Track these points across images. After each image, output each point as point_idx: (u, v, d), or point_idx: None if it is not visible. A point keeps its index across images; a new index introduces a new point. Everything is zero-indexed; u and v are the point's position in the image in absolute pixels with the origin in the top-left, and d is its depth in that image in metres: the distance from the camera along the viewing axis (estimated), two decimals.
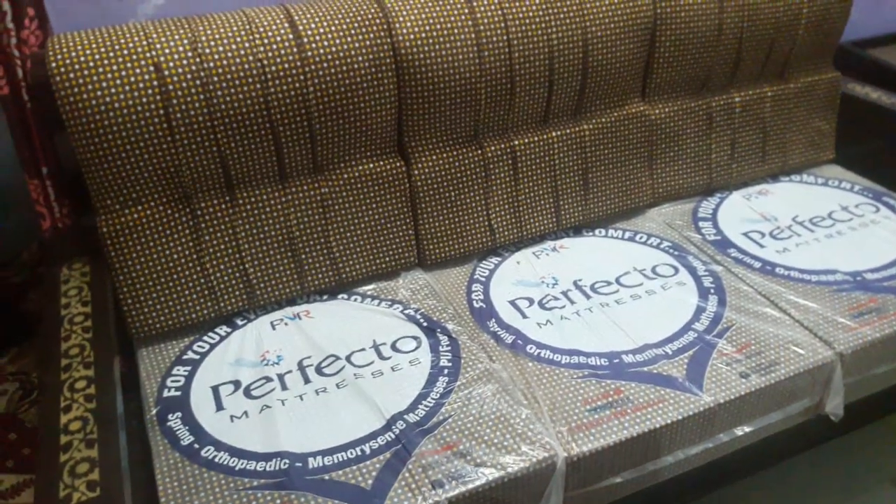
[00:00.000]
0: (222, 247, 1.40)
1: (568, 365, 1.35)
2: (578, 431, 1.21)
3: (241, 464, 1.16)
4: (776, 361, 1.35)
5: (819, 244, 1.67)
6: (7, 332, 1.73)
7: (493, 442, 1.19)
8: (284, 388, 1.29)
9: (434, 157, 1.53)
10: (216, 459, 1.17)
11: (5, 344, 1.74)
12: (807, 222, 1.75)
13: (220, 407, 1.27)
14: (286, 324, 1.44)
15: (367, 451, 1.17)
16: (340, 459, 1.16)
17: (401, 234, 1.55)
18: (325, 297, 1.52)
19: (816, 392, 1.39)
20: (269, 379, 1.31)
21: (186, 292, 1.40)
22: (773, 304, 1.48)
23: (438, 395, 1.27)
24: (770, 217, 1.77)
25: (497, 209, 1.62)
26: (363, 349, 1.37)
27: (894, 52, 2.33)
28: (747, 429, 1.34)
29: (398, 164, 1.51)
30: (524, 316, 1.47)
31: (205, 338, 1.42)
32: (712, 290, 1.52)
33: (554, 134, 1.62)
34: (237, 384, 1.31)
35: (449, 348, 1.38)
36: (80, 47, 1.25)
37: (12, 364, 1.70)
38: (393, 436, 1.19)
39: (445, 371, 1.33)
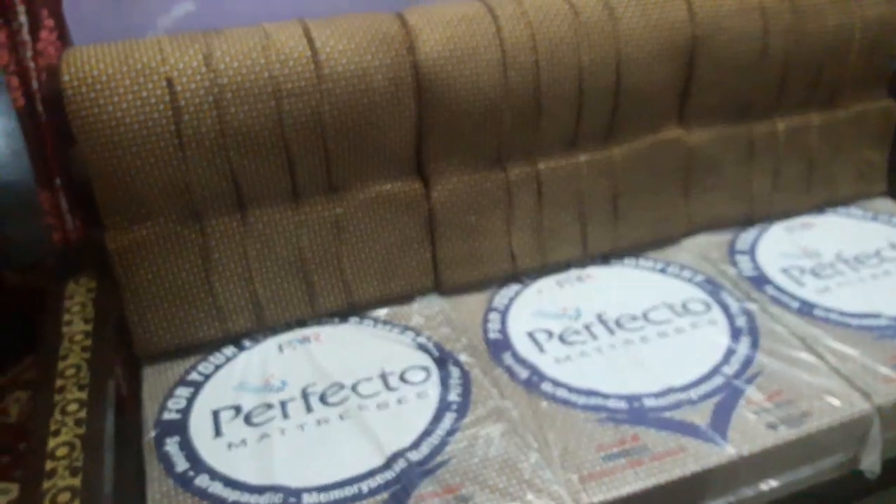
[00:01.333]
0: (232, 266, 1.37)
1: (584, 406, 1.28)
2: (590, 480, 1.14)
3: (235, 495, 1.12)
4: (808, 412, 1.25)
5: (863, 284, 1.57)
6: (26, 340, 1.73)
7: (497, 488, 1.12)
8: (286, 416, 1.25)
9: (454, 180, 1.48)
10: (209, 490, 1.13)
11: (24, 351, 1.73)
12: (851, 260, 1.65)
13: (218, 433, 1.23)
14: (294, 347, 1.40)
15: (365, 489, 1.12)
16: (336, 497, 1.11)
17: (417, 258, 1.50)
18: (336, 319, 1.47)
19: (851, 447, 1.30)
20: (270, 406, 1.27)
21: (194, 311, 1.36)
22: (809, 349, 1.39)
23: (444, 432, 1.22)
24: (812, 252, 1.67)
25: (519, 235, 1.56)
26: (370, 378, 1.32)
27: None
28: (774, 483, 1.25)
29: (416, 185, 1.46)
30: (542, 350, 1.41)
31: (210, 358, 1.38)
32: (745, 331, 1.43)
33: (582, 158, 1.55)
34: (238, 410, 1.27)
35: (460, 382, 1.32)
36: (93, 61, 1.23)
37: (28, 372, 1.70)
38: (393, 475, 1.14)
39: (454, 406, 1.27)
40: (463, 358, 1.38)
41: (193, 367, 1.37)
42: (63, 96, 1.21)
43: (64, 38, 1.34)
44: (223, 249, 1.36)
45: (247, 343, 1.42)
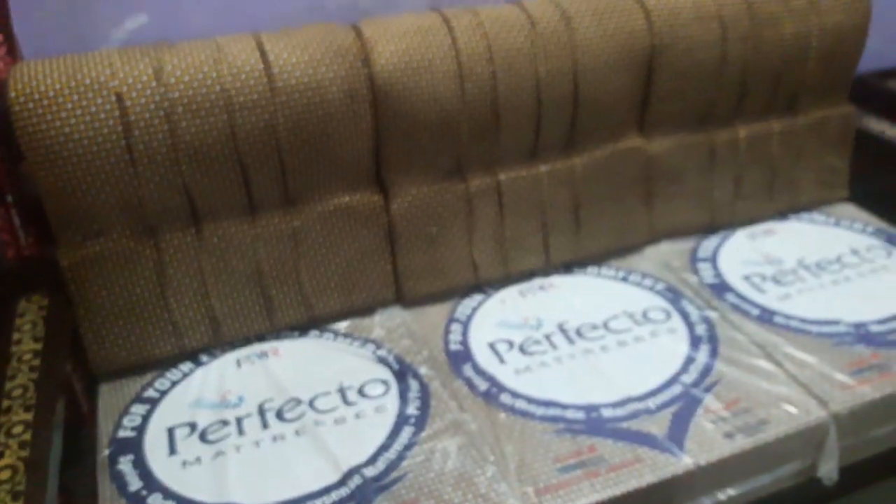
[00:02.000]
0: (187, 281, 1.35)
1: (543, 418, 1.27)
2: (545, 493, 1.14)
3: None
4: (765, 421, 1.26)
5: (824, 291, 1.58)
6: None
7: (452, 502, 1.11)
8: (241, 433, 1.24)
9: (414, 191, 1.47)
10: None
11: None
12: (813, 266, 1.66)
13: (173, 451, 1.21)
14: (252, 362, 1.39)
15: None
16: None
17: (378, 270, 1.49)
18: (295, 333, 1.46)
19: (809, 454, 1.30)
20: (226, 423, 1.25)
21: (149, 328, 1.35)
22: (768, 357, 1.39)
23: (402, 447, 1.21)
24: (774, 259, 1.68)
25: (481, 245, 1.55)
26: (328, 393, 1.31)
27: None
28: (732, 492, 1.25)
29: (375, 197, 1.45)
30: (502, 361, 1.40)
31: (167, 374, 1.37)
32: (704, 339, 1.43)
33: (543, 168, 1.55)
34: (193, 427, 1.25)
35: (419, 395, 1.31)
36: (41, 76, 1.21)
37: None
38: (348, 491, 1.13)
39: (412, 420, 1.26)
40: (423, 370, 1.37)
41: (150, 384, 1.35)
42: (10, 112, 1.20)
43: (14, 53, 1.32)
44: (178, 265, 1.34)
45: (204, 358, 1.40)
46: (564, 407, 1.29)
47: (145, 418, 1.28)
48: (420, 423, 1.25)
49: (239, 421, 1.26)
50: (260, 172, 1.33)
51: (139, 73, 1.24)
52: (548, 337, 1.46)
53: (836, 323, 1.47)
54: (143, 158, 1.25)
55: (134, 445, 1.22)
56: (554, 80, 1.46)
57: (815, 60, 1.72)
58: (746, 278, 1.61)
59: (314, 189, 1.39)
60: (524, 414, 1.28)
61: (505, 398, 1.31)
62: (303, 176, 1.36)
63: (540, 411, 1.28)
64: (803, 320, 1.48)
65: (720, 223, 1.77)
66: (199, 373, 1.37)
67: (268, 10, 1.48)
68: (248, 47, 1.30)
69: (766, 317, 1.49)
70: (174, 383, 1.35)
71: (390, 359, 1.39)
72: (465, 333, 1.48)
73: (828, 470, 1.31)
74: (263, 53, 1.30)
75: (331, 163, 1.38)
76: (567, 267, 1.66)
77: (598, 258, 1.67)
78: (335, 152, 1.37)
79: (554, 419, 1.27)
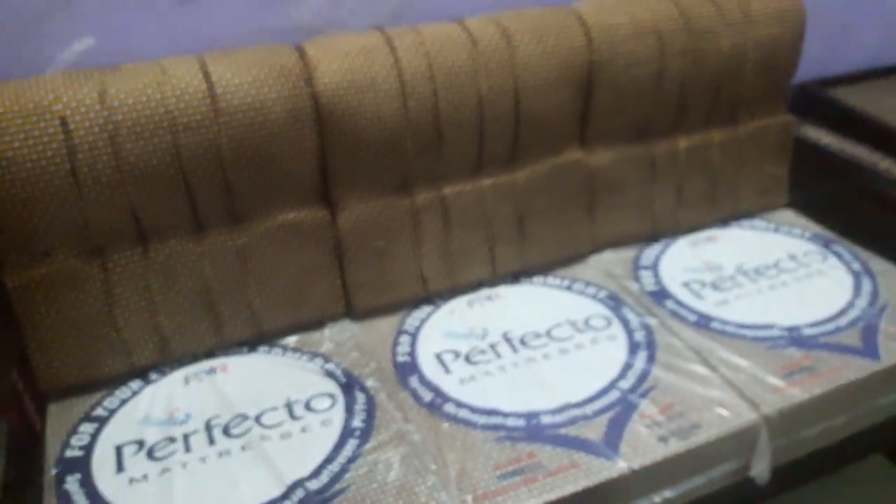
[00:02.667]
0: (135, 300, 1.37)
1: (484, 426, 1.31)
2: (484, 500, 1.18)
3: None
4: (698, 424, 1.31)
5: (761, 296, 1.63)
6: None
7: None
8: (188, 449, 1.26)
9: (361, 206, 1.50)
10: None
11: None
12: (751, 272, 1.71)
13: (121, 469, 1.23)
14: (200, 379, 1.41)
15: None
16: None
17: (327, 284, 1.52)
18: (245, 348, 1.49)
19: (742, 455, 1.35)
20: (173, 440, 1.28)
21: (98, 346, 1.37)
22: (703, 361, 1.45)
23: (345, 459, 1.24)
24: (714, 266, 1.73)
25: (429, 258, 1.59)
26: (275, 408, 1.34)
27: (862, 90, 2.29)
28: (668, 494, 1.30)
29: (322, 213, 1.48)
30: (447, 371, 1.44)
31: (116, 393, 1.39)
32: (643, 345, 1.48)
33: (487, 182, 1.59)
34: (141, 444, 1.27)
35: (364, 407, 1.35)
36: None
37: None
38: None
39: (356, 433, 1.29)
40: (370, 383, 1.40)
41: (99, 403, 1.37)
42: None
43: None
44: (125, 283, 1.36)
45: (153, 376, 1.42)
46: (506, 415, 1.33)
47: (93, 437, 1.30)
48: (365, 435, 1.29)
49: (186, 437, 1.28)
50: (205, 191, 1.35)
51: (83, 97, 1.26)
52: (493, 346, 1.49)
53: (770, 327, 1.53)
54: (88, 180, 1.27)
55: (81, 464, 1.24)
56: (495, 97, 1.50)
57: (753, 72, 1.78)
58: (686, 285, 1.66)
59: (260, 206, 1.42)
60: (467, 423, 1.32)
61: (449, 408, 1.35)
62: (248, 194, 1.39)
63: (482, 420, 1.32)
64: (739, 325, 1.54)
65: (662, 232, 1.82)
66: (148, 390, 1.39)
67: (214, 32, 1.50)
68: (192, 69, 1.33)
69: (704, 322, 1.55)
70: (123, 401, 1.37)
71: (338, 372, 1.42)
72: (413, 345, 1.51)
73: (760, 470, 1.36)
74: (207, 75, 1.32)
75: (276, 180, 1.40)
76: (514, 277, 1.70)
77: (543, 268, 1.71)
78: (280, 170, 1.40)
79: (495, 427, 1.30)
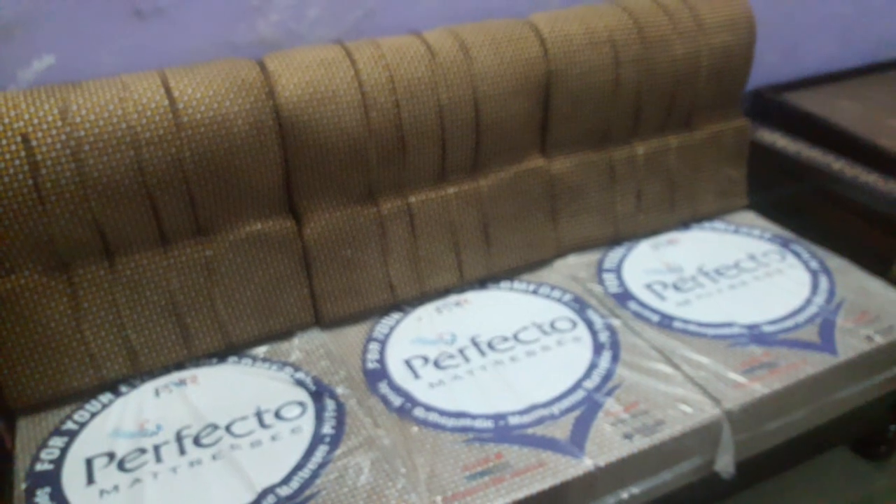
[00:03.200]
0: (102, 314, 1.38)
1: (453, 429, 1.33)
2: (453, 501, 1.19)
3: None
4: (662, 421, 1.33)
5: (721, 295, 1.67)
6: None
7: None
8: (159, 460, 1.26)
9: (327, 216, 1.52)
10: None
11: None
12: (712, 272, 1.75)
13: (91, 481, 1.24)
14: (170, 391, 1.41)
15: None
16: None
17: (295, 294, 1.53)
18: (214, 360, 1.49)
19: (706, 451, 1.38)
20: (144, 451, 1.28)
21: (66, 360, 1.37)
22: (666, 360, 1.48)
23: (316, 465, 1.25)
24: (675, 267, 1.77)
25: (396, 266, 1.61)
26: (245, 417, 1.35)
27: (815, 94, 2.36)
28: (635, 490, 1.32)
29: (288, 223, 1.50)
30: (416, 376, 1.46)
31: (86, 406, 1.39)
32: (607, 346, 1.51)
33: (451, 191, 1.62)
34: (112, 456, 1.28)
35: (334, 414, 1.36)
36: None
37: None
38: None
39: (326, 439, 1.30)
40: (340, 390, 1.42)
41: (69, 417, 1.37)
42: None
43: None
44: (92, 298, 1.37)
45: (123, 389, 1.43)
46: (474, 417, 1.35)
47: (63, 450, 1.30)
48: (335, 441, 1.30)
49: (157, 448, 1.29)
50: (169, 205, 1.37)
51: (44, 114, 1.27)
52: (461, 351, 1.52)
53: (730, 325, 1.57)
54: (51, 196, 1.27)
55: (51, 478, 1.24)
56: (456, 107, 1.54)
57: (706, 78, 1.83)
58: (648, 287, 1.70)
59: (225, 218, 1.43)
60: (436, 426, 1.33)
61: (418, 412, 1.37)
62: (213, 206, 1.40)
63: (451, 423, 1.34)
64: (700, 324, 1.57)
65: (625, 235, 1.86)
66: (119, 403, 1.39)
67: (175, 48, 1.51)
68: (153, 84, 1.34)
69: (666, 322, 1.58)
70: (93, 414, 1.37)
71: (308, 381, 1.44)
72: (382, 352, 1.53)
73: (724, 464, 1.39)
74: (168, 90, 1.34)
75: (240, 192, 1.42)
76: (481, 283, 1.73)
77: (510, 273, 1.74)
78: (244, 182, 1.41)
79: (464, 429, 1.32)
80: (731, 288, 1.70)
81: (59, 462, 1.28)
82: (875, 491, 1.80)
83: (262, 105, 1.39)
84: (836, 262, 1.78)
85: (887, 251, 1.80)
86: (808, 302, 1.64)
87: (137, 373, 1.44)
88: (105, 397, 1.41)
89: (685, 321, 1.59)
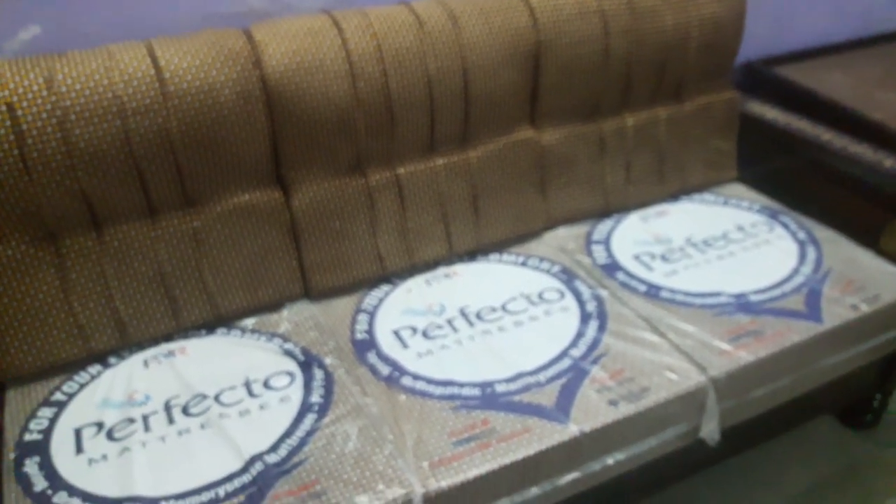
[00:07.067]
0: (90, 285, 1.38)
1: (441, 396, 1.34)
2: (440, 466, 1.20)
3: None
4: (647, 388, 1.35)
5: (709, 265, 1.68)
6: None
7: (351, 481, 1.17)
8: (147, 429, 1.27)
9: (315, 187, 1.52)
10: None
11: None
12: (700, 243, 1.76)
13: (80, 450, 1.24)
14: (159, 362, 1.42)
15: (222, 494, 1.15)
16: (193, 503, 1.14)
17: (283, 265, 1.54)
18: (203, 331, 1.50)
19: (691, 417, 1.40)
20: (132, 420, 1.29)
21: (55, 332, 1.37)
22: (652, 329, 1.49)
23: (304, 433, 1.26)
24: (664, 239, 1.78)
25: (385, 238, 1.61)
26: (234, 387, 1.35)
27: (806, 67, 2.35)
28: (620, 456, 1.34)
29: (276, 194, 1.50)
30: (405, 346, 1.46)
31: (75, 378, 1.39)
32: (594, 315, 1.52)
33: (440, 162, 1.62)
34: (101, 426, 1.28)
35: (322, 383, 1.37)
36: None
37: None
38: (250, 477, 1.18)
39: (315, 408, 1.31)
40: (328, 360, 1.42)
41: (58, 388, 1.37)
42: None
43: None
44: (80, 269, 1.37)
45: (112, 360, 1.43)
46: (461, 385, 1.36)
47: (52, 421, 1.30)
48: (323, 409, 1.31)
49: (145, 418, 1.29)
50: (156, 175, 1.36)
51: (30, 83, 1.26)
52: (450, 321, 1.52)
53: (717, 294, 1.58)
54: (37, 166, 1.27)
55: (40, 448, 1.25)
56: (444, 78, 1.53)
57: (696, 50, 1.82)
58: (636, 258, 1.70)
59: (213, 189, 1.43)
60: (423, 394, 1.34)
61: (406, 381, 1.37)
62: (200, 177, 1.40)
63: (438, 391, 1.35)
64: (687, 293, 1.58)
65: (614, 207, 1.86)
66: (108, 374, 1.40)
67: (161, 18, 1.51)
68: (139, 54, 1.34)
69: (653, 292, 1.59)
70: (82, 386, 1.38)
71: (296, 351, 1.44)
72: (371, 323, 1.53)
73: (709, 431, 1.40)
74: (154, 59, 1.33)
75: (228, 163, 1.42)
76: (470, 255, 1.73)
77: (499, 245, 1.75)
78: (231, 153, 1.41)
79: (451, 397, 1.33)
80: (719, 258, 1.71)
81: (47, 432, 1.28)
82: (860, 460, 1.82)
83: (248, 75, 1.38)
84: (824, 233, 1.79)
85: (876, 222, 1.80)
86: (796, 272, 1.65)
87: (126, 344, 1.44)
88: (94, 368, 1.41)
89: (672, 291, 1.59)
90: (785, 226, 1.82)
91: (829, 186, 1.98)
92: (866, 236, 1.77)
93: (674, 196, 1.95)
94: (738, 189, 2.01)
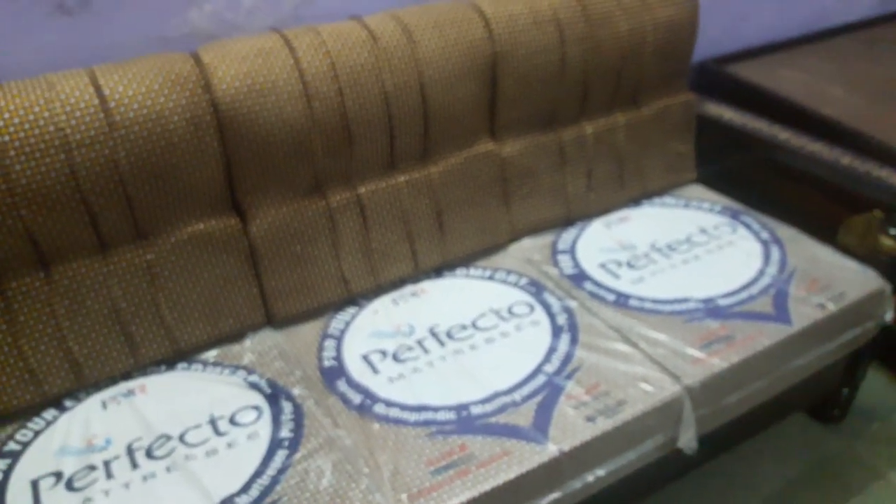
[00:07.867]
0: (40, 326, 1.31)
1: (415, 423, 1.30)
2: (419, 498, 1.17)
3: None
4: (623, 401, 1.33)
5: (675, 270, 1.68)
6: None
7: None
8: (110, 476, 1.21)
9: (273, 212, 1.47)
10: None
11: None
12: (664, 248, 1.75)
13: None
14: (118, 402, 1.36)
15: None
16: None
17: (243, 294, 1.48)
18: (162, 367, 1.44)
19: (668, 428, 1.38)
20: (93, 468, 1.23)
21: (4, 378, 1.30)
22: (624, 339, 1.47)
23: (275, 471, 1.21)
24: (628, 245, 1.77)
25: (349, 259, 1.57)
26: (199, 425, 1.30)
27: (757, 64, 2.37)
28: (600, 472, 1.32)
29: (233, 221, 1.45)
30: (375, 371, 1.42)
31: (29, 424, 1.32)
32: (565, 328, 1.50)
33: (401, 179, 1.59)
34: (59, 476, 1.22)
35: (292, 417, 1.32)
36: None
37: None
38: None
39: (285, 443, 1.26)
40: (296, 391, 1.38)
41: (11, 437, 1.30)
42: None
43: None
44: (28, 311, 1.30)
45: (68, 403, 1.36)
46: (436, 409, 1.33)
47: (6, 473, 1.23)
48: (294, 444, 1.26)
49: (107, 464, 1.23)
50: (106, 209, 1.30)
51: None
52: (420, 342, 1.49)
53: (686, 300, 1.57)
54: None
55: None
56: (401, 94, 1.50)
57: (652, 54, 1.82)
58: (602, 266, 1.69)
59: (166, 220, 1.38)
60: (398, 422, 1.31)
61: (379, 408, 1.34)
62: (152, 208, 1.35)
63: (413, 417, 1.31)
64: (656, 301, 1.57)
65: (577, 215, 1.85)
66: (64, 419, 1.33)
67: (104, 44, 1.44)
68: (82, 83, 1.27)
69: (622, 301, 1.58)
70: (37, 433, 1.31)
71: (262, 383, 1.39)
72: (338, 348, 1.49)
73: (687, 440, 1.39)
74: (98, 88, 1.27)
75: (180, 192, 1.36)
76: (437, 271, 1.70)
77: (465, 260, 1.72)
78: (184, 181, 1.36)
79: (426, 423, 1.30)
80: (685, 263, 1.71)
81: (1, 486, 1.21)
82: (830, 452, 1.84)
83: (198, 100, 1.33)
84: (786, 232, 1.79)
85: (834, 218, 1.82)
86: (761, 273, 1.65)
87: (82, 386, 1.37)
88: (49, 414, 1.35)
89: (641, 299, 1.58)
90: (747, 226, 1.82)
91: (787, 184, 2.00)
92: (825, 232, 1.78)
93: (635, 201, 1.95)
94: (698, 190, 2.01)
